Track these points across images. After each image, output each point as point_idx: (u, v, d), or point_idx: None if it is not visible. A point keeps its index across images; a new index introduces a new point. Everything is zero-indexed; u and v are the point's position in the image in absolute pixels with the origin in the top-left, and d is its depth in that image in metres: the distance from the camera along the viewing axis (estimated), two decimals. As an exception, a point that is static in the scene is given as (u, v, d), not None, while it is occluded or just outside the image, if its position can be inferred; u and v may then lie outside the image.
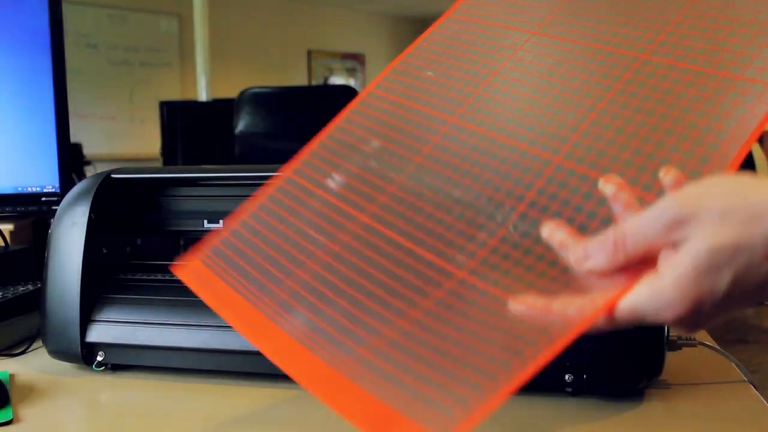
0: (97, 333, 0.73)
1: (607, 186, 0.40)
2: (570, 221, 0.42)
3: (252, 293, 0.50)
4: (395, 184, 0.50)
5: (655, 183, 0.41)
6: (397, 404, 0.38)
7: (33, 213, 1.07)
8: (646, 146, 0.43)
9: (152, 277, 0.78)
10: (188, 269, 0.54)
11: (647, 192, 0.41)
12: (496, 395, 0.36)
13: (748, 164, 2.65)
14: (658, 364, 0.63)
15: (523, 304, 0.38)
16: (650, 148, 0.43)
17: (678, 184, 0.38)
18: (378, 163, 0.52)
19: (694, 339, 0.69)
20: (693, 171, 0.40)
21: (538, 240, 0.42)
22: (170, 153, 2.92)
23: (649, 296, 0.35)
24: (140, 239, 0.85)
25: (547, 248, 0.42)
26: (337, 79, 8.18)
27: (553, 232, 0.41)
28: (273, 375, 0.70)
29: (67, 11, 1.03)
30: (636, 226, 0.36)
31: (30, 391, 0.69)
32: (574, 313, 0.36)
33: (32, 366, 0.76)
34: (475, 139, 0.49)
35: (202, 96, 4.27)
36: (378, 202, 0.50)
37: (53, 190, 1.03)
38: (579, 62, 0.50)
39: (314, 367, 0.43)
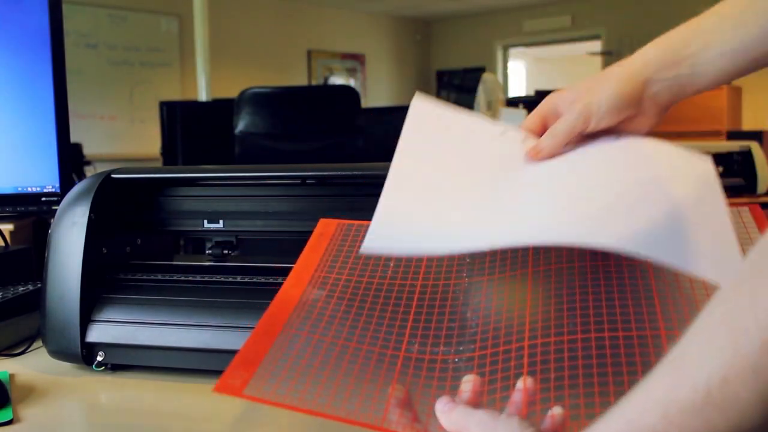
0: (97, 333, 0.73)
1: (519, 382, 0.48)
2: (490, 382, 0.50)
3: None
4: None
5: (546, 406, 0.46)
6: None
7: (33, 213, 1.07)
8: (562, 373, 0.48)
9: (152, 277, 0.78)
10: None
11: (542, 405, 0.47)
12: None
13: (748, 163, 2.64)
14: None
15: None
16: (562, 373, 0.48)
17: (555, 425, 0.44)
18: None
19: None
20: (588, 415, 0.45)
21: (458, 378, 0.50)
22: (170, 153, 2.92)
23: None
24: (140, 239, 0.85)
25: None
26: (337, 79, 8.19)
27: (465, 384, 0.49)
28: (273, 375, 0.70)
29: (67, 11, 1.03)
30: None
31: (30, 391, 0.69)
32: None
33: (32, 366, 0.76)
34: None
35: (202, 96, 4.26)
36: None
37: (53, 190, 1.03)
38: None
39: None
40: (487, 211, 0.56)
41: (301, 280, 0.61)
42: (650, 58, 0.58)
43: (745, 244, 0.58)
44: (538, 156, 0.60)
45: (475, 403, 0.48)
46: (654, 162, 0.58)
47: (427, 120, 0.65)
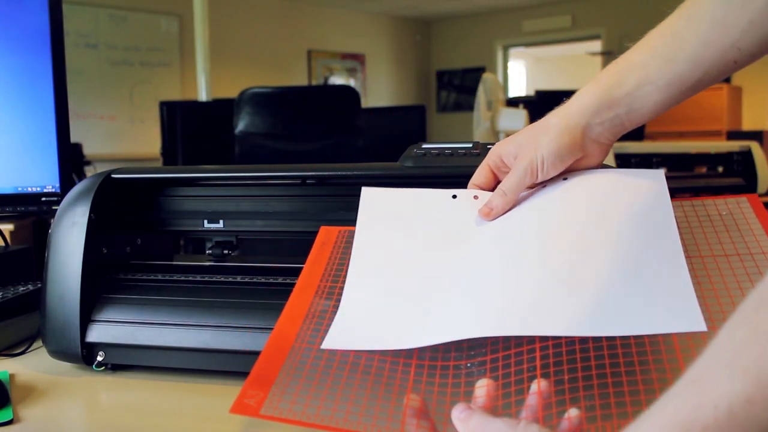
0: (97, 333, 0.73)
1: (533, 385, 0.47)
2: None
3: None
4: None
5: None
6: None
7: (33, 213, 1.07)
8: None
9: (152, 277, 0.78)
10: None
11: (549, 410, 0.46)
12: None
13: (748, 163, 2.64)
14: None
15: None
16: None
17: (572, 427, 0.44)
18: None
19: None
20: (604, 416, 0.44)
21: (472, 384, 0.50)
22: (170, 153, 2.91)
23: None
24: (140, 239, 0.85)
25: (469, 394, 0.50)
26: (337, 79, 8.19)
27: (479, 389, 0.49)
28: (273, 375, 0.70)
29: (67, 11, 1.03)
30: None
31: (30, 391, 0.69)
32: None
33: (32, 366, 0.76)
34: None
35: (202, 96, 4.25)
36: None
37: (53, 190, 1.04)
38: None
39: None
40: (448, 299, 0.56)
41: (307, 291, 0.61)
42: (585, 105, 0.59)
43: (747, 235, 0.58)
44: (490, 215, 0.62)
45: (491, 408, 0.48)
46: (602, 199, 0.59)
47: (379, 205, 0.67)
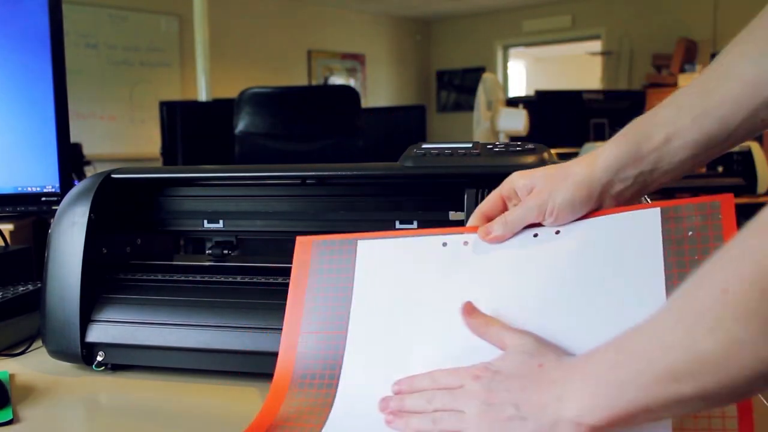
0: (97, 333, 0.73)
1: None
2: None
3: None
4: None
5: None
6: None
7: (33, 213, 1.07)
8: None
9: (152, 277, 0.78)
10: None
11: None
12: None
13: (748, 163, 2.64)
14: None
15: None
16: None
17: None
18: None
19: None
20: None
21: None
22: (170, 153, 2.92)
23: None
24: (140, 239, 0.85)
25: None
26: (337, 79, 8.19)
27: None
28: (273, 375, 0.70)
29: (67, 11, 1.03)
30: None
31: (30, 391, 0.69)
32: None
33: (32, 366, 0.76)
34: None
35: (202, 96, 4.25)
36: None
37: (53, 190, 1.04)
38: None
39: None
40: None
41: (294, 325, 0.63)
42: (611, 158, 0.58)
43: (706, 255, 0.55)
44: (487, 237, 0.62)
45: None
46: (594, 251, 0.58)
47: (374, 258, 0.65)
